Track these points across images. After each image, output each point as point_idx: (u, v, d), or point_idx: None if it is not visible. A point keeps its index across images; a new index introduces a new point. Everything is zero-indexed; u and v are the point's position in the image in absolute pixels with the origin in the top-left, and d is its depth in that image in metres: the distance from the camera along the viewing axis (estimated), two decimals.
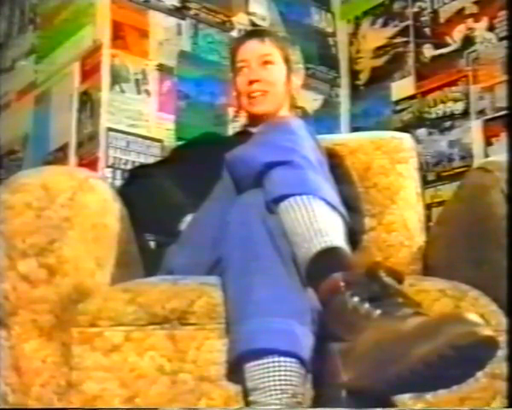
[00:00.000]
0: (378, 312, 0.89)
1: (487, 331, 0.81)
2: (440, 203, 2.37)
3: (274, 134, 1.16)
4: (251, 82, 1.63)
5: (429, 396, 1.03)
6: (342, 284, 0.93)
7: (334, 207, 1.05)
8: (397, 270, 0.95)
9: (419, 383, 0.85)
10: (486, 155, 2.30)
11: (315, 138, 1.20)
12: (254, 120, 1.65)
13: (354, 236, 1.26)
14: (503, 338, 1.05)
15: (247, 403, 0.96)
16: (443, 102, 2.49)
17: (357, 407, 0.90)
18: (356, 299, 0.91)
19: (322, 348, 0.95)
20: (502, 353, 1.05)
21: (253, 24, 2.58)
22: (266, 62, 1.66)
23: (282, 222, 1.03)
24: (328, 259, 0.98)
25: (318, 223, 1.01)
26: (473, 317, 0.82)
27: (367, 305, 0.90)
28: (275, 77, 1.66)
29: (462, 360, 0.81)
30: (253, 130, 1.58)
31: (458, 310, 1.07)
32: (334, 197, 1.07)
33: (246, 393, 0.97)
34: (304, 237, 1.00)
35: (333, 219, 1.03)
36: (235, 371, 0.98)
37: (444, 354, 0.80)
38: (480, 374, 1.02)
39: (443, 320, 0.83)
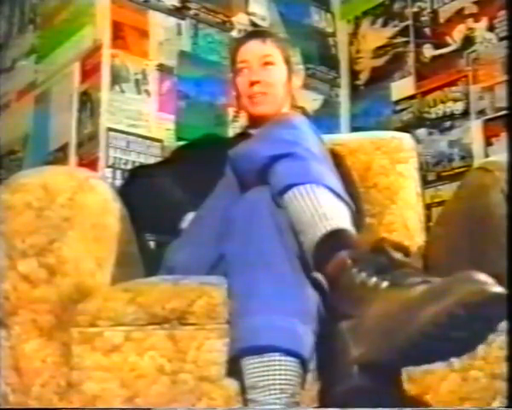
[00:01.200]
0: (386, 283, 0.89)
1: (496, 289, 0.80)
2: (440, 203, 2.36)
3: (276, 129, 1.16)
4: (252, 83, 1.62)
5: (429, 396, 1.03)
6: (349, 261, 0.93)
7: (338, 195, 1.05)
8: (403, 244, 0.95)
9: (430, 348, 0.84)
10: (486, 155, 2.30)
11: (318, 135, 1.20)
12: (255, 121, 1.65)
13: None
14: (503, 338, 1.05)
15: (245, 401, 0.96)
16: (443, 102, 2.49)
17: (369, 382, 0.89)
18: (363, 274, 0.91)
19: (330, 331, 0.95)
20: (502, 353, 1.05)
21: (253, 24, 2.58)
22: (267, 63, 1.65)
23: (289, 213, 1.04)
24: (334, 240, 0.98)
25: (323, 208, 1.01)
26: (481, 276, 0.82)
27: (374, 278, 0.90)
28: (275, 78, 1.65)
29: (472, 319, 0.80)
30: (254, 132, 1.58)
31: None
32: (338, 186, 1.08)
33: (243, 390, 0.96)
34: (309, 223, 1.01)
35: (337, 204, 1.04)
36: (235, 367, 0.97)
37: (453, 312, 0.79)
38: (480, 374, 1.03)
39: (451, 281, 0.83)
